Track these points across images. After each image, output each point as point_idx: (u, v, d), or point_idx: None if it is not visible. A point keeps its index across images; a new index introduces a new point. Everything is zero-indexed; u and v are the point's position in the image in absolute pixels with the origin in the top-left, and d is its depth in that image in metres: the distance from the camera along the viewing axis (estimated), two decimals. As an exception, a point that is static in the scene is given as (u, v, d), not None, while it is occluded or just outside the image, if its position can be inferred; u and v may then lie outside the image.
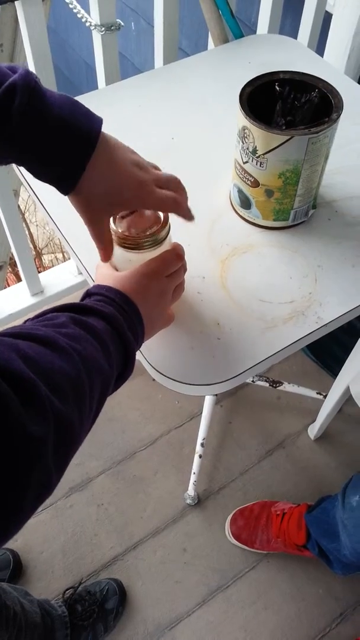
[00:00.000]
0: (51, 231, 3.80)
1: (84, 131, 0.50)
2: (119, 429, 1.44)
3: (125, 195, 0.53)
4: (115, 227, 0.59)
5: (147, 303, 0.55)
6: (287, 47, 1.04)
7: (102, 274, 0.60)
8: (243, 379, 0.63)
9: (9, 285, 2.25)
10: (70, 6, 1.08)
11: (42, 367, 0.39)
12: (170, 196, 0.56)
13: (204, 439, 1.33)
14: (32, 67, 1.09)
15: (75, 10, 1.08)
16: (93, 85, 1.14)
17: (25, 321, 0.47)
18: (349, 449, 1.43)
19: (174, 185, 0.58)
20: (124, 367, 0.51)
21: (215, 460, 1.40)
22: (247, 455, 1.41)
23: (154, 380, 0.64)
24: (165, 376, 0.62)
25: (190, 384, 0.62)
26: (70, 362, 0.42)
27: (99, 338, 0.47)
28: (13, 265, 2.64)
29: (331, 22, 1.31)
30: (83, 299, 0.54)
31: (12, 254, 1.71)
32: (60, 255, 3.82)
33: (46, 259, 3.97)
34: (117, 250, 0.60)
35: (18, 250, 1.42)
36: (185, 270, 0.63)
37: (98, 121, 0.52)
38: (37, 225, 3.89)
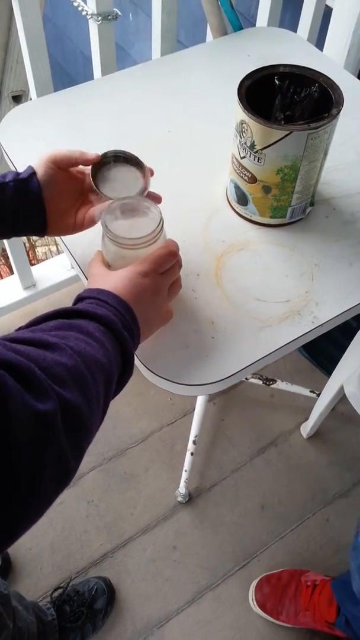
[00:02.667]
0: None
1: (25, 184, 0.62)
2: (110, 424, 1.42)
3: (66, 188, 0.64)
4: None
5: (142, 302, 0.54)
6: (286, 40, 1.02)
7: (96, 274, 0.59)
8: (237, 379, 0.62)
9: (0, 277, 2.22)
10: (67, -6, 1.06)
11: (34, 357, 0.40)
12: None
13: (196, 437, 1.32)
14: (26, 58, 1.07)
15: (71, -1, 1.06)
16: (89, 77, 1.12)
17: (18, 329, 0.47)
18: (341, 448, 1.42)
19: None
20: (124, 367, 0.51)
21: (207, 458, 1.39)
22: (239, 453, 1.40)
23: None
24: (158, 376, 0.61)
25: (183, 384, 0.60)
26: (63, 354, 0.42)
27: (92, 337, 0.47)
28: (5, 257, 2.62)
29: (331, 16, 1.29)
30: (75, 303, 0.54)
31: (4, 246, 1.69)
32: (54, 248, 3.78)
33: (40, 251, 3.94)
34: (111, 247, 0.58)
35: (10, 242, 1.40)
36: (180, 266, 0.61)
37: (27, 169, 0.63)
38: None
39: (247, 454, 1.40)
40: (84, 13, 1.05)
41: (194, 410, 1.36)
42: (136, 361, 0.63)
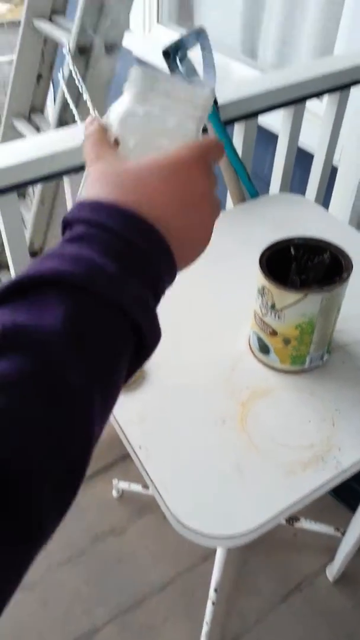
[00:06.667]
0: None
1: None
2: (127, 571, 1.36)
3: None
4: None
5: (187, 211, 0.34)
6: (298, 204, 1.15)
7: (101, 170, 0.35)
8: (265, 529, 0.63)
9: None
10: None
11: None
12: None
13: (217, 584, 1.25)
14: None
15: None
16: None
17: None
18: (371, 596, 1.34)
19: None
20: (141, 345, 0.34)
21: (229, 606, 1.31)
22: (263, 600, 1.32)
23: (165, 518, 0.63)
24: (188, 529, 0.61)
25: (211, 537, 0.61)
26: None
27: (47, 357, 0.29)
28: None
29: (337, 174, 1.46)
30: (63, 230, 0.34)
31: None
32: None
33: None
34: (139, 124, 0.36)
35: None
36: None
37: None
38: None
39: (271, 601, 1.32)
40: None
41: (214, 553, 1.31)
42: (163, 508, 0.64)
